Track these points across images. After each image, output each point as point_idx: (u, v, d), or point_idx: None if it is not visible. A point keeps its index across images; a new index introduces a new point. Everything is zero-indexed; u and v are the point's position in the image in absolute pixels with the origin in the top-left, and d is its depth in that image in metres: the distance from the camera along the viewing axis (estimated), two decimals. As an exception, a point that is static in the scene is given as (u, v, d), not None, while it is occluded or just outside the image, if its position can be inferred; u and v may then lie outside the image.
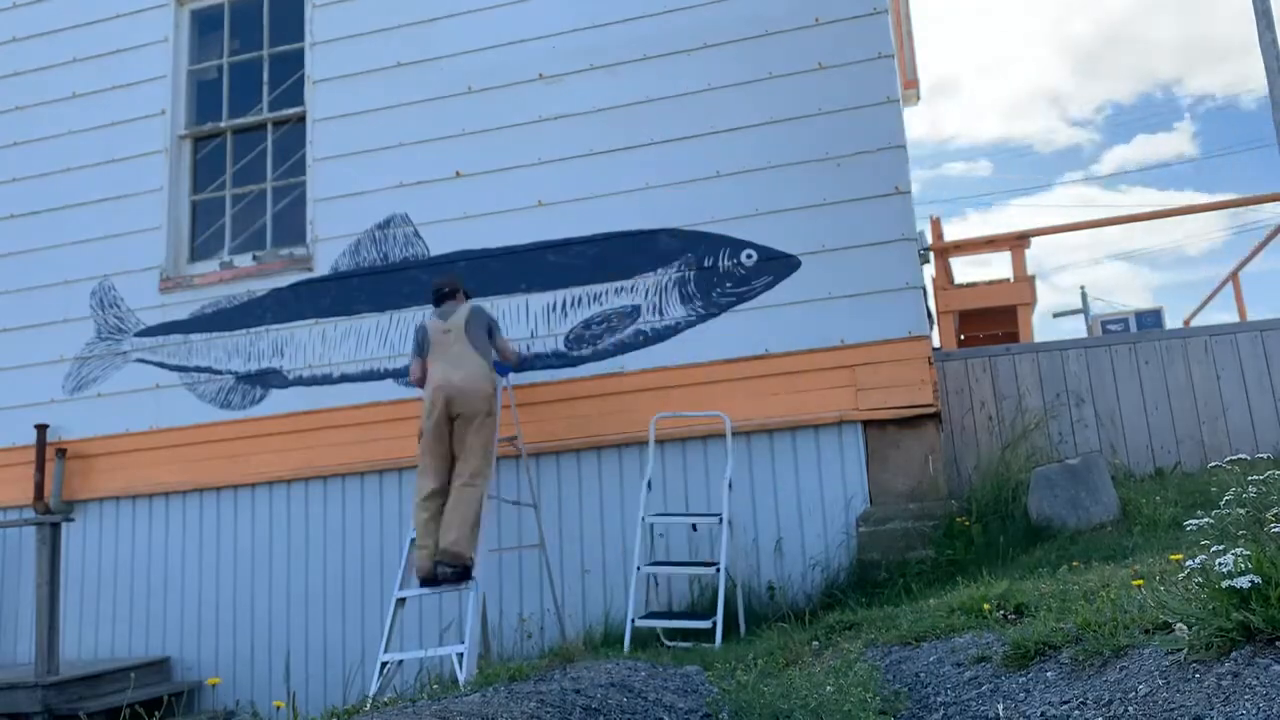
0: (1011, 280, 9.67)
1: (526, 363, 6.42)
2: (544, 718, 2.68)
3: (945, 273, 9.80)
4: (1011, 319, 9.77)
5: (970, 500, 5.79)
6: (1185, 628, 2.22)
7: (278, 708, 5.26)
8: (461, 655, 5.07)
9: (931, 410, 5.85)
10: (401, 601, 5.47)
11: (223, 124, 7.49)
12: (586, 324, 6.39)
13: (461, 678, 4.65)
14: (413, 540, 5.52)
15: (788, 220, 6.16)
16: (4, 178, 7.64)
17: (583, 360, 6.36)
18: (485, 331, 5.86)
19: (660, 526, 6.05)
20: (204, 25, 7.73)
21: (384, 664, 5.24)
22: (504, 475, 6.23)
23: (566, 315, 6.43)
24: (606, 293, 6.39)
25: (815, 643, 4.21)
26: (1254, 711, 1.84)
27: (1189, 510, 4.57)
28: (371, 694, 4.84)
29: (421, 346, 5.86)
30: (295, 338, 6.88)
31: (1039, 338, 10.34)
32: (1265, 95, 7.19)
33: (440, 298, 6.01)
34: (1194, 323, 12.52)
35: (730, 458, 5.71)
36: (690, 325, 6.23)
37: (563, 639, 5.74)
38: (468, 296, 6.12)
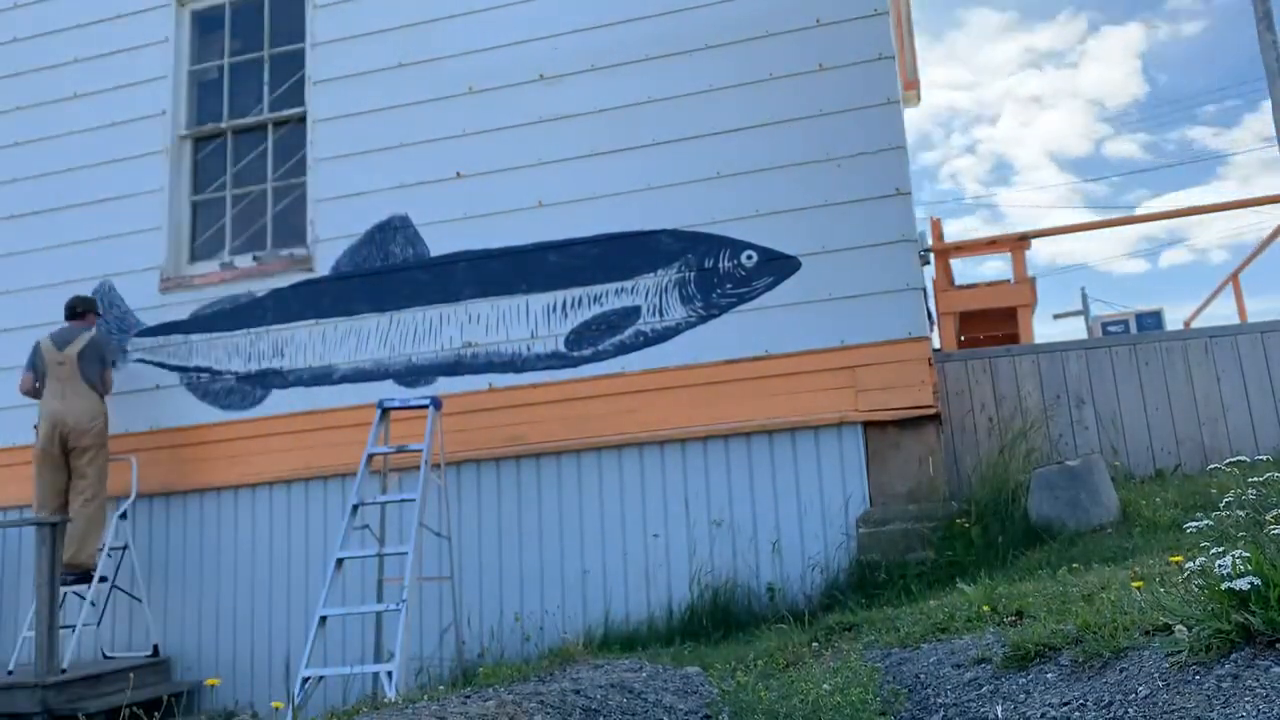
0: (1012, 282, 9.67)
1: (528, 363, 6.42)
2: (544, 718, 2.68)
3: (946, 274, 9.80)
4: (1012, 320, 9.76)
5: (970, 502, 5.78)
6: (1185, 630, 2.22)
7: (276, 708, 5.27)
8: (391, 674, 5.04)
9: (931, 411, 5.85)
10: (323, 620, 5.33)
11: (223, 124, 7.49)
12: (587, 325, 6.39)
13: (391, 695, 4.65)
14: (339, 560, 5.51)
15: (788, 221, 6.16)
16: (4, 178, 7.64)
17: (583, 361, 6.36)
18: (99, 363, 6.60)
19: (657, 528, 6.07)
20: (204, 26, 7.73)
21: (305, 679, 5.15)
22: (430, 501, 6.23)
23: (567, 316, 6.43)
24: (607, 293, 6.39)
25: (815, 644, 4.21)
26: (1253, 713, 1.84)
27: (1189, 512, 4.58)
28: (293, 708, 4.81)
29: (34, 364, 6.60)
30: (295, 338, 6.88)
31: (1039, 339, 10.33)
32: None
33: (69, 315, 6.74)
34: (1194, 324, 12.52)
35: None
36: (691, 326, 6.23)
37: (461, 663, 5.76)
38: (99, 317, 6.91)
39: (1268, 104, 9.55)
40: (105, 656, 6.71)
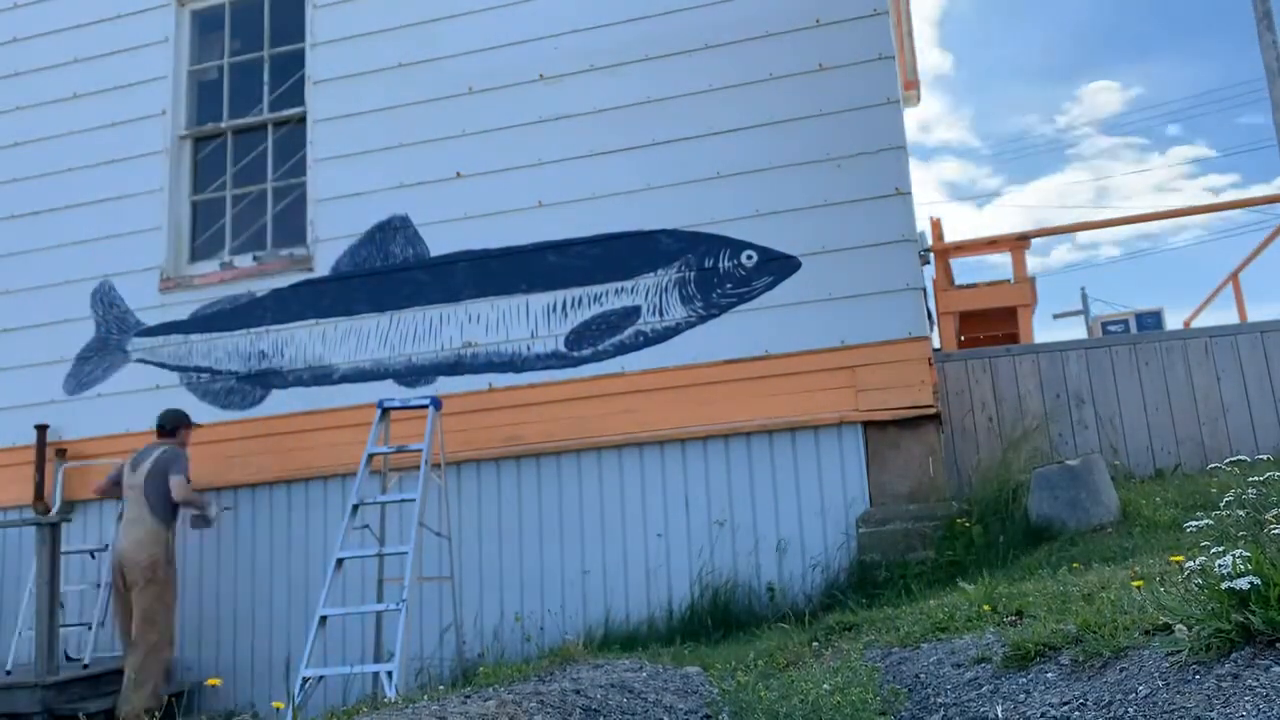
0: (1012, 282, 9.67)
1: (527, 363, 6.42)
2: (544, 718, 2.68)
3: (946, 274, 9.80)
4: (1012, 320, 9.77)
5: (970, 501, 5.78)
6: (1185, 629, 2.22)
7: (277, 708, 5.27)
8: (391, 674, 5.04)
9: (931, 411, 5.85)
10: (323, 620, 5.32)
11: (223, 124, 7.49)
12: (587, 324, 6.39)
13: (391, 695, 4.65)
14: (339, 560, 5.51)
15: (788, 221, 6.16)
16: (4, 178, 7.64)
17: (583, 361, 6.36)
18: (162, 477, 6.12)
19: (657, 527, 6.07)
20: (204, 25, 7.73)
21: (305, 679, 5.15)
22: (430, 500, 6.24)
23: (567, 316, 6.43)
24: (607, 293, 6.39)
25: (815, 643, 4.21)
26: (1253, 713, 1.84)
27: (1189, 511, 4.58)
28: (293, 708, 4.82)
29: (117, 478, 6.30)
30: (295, 338, 6.88)
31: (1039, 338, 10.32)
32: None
33: (158, 432, 6.38)
34: (1194, 324, 12.52)
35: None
36: (691, 326, 6.23)
37: (461, 663, 5.77)
38: (188, 429, 6.49)
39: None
40: (105, 657, 6.71)
